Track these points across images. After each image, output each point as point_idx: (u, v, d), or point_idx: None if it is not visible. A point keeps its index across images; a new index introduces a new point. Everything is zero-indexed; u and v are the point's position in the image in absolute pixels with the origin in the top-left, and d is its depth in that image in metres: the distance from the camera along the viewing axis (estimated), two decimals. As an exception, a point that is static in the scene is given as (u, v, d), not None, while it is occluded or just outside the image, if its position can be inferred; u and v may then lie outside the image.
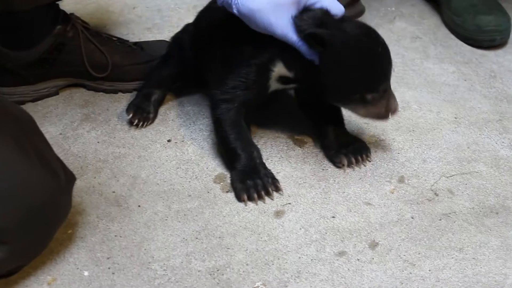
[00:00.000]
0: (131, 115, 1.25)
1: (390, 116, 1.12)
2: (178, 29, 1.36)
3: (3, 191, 0.88)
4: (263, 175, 1.12)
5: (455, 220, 1.09)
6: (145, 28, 1.54)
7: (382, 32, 1.51)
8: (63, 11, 1.31)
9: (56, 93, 1.34)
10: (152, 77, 1.31)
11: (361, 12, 1.45)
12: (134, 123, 1.25)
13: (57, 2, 1.29)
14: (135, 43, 1.38)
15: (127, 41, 1.37)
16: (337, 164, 1.18)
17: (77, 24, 1.30)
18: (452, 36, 1.52)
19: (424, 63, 1.43)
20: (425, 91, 1.35)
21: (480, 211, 1.10)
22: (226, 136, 1.14)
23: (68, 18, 1.30)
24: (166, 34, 1.50)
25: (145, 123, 1.25)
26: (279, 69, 1.12)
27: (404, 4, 1.62)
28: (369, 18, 1.54)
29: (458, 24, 1.50)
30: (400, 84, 1.37)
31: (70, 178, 1.00)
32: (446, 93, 1.35)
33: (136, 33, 1.52)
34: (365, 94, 1.08)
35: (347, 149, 1.17)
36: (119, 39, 1.37)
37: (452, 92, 1.35)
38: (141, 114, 1.25)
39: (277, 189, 1.12)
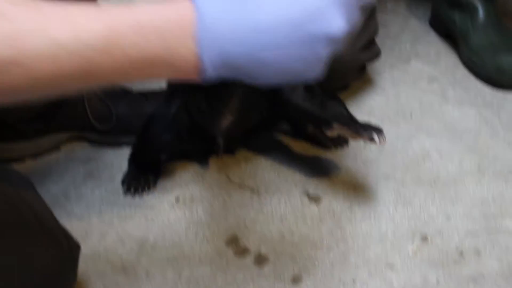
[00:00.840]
0: (126, 188, 1.21)
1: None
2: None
3: (1, 267, 0.84)
4: None
5: (484, 284, 1.04)
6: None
7: (398, 74, 1.50)
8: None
9: (57, 148, 1.30)
10: (150, 141, 1.21)
11: (377, 54, 1.41)
12: (133, 192, 1.20)
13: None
14: (140, 91, 1.34)
15: (131, 90, 1.34)
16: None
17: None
18: (472, 77, 1.47)
19: (443, 107, 1.39)
20: (445, 138, 1.31)
21: (510, 273, 1.06)
22: None
23: (69, 69, 1.26)
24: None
25: (145, 189, 1.21)
26: None
27: (420, 42, 1.58)
28: (384, 59, 1.50)
29: (477, 64, 1.46)
30: (419, 131, 1.33)
31: (74, 247, 0.95)
32: (468, 140, 1.31)
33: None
34: None
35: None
36: (122, 88, 1.33)
37: (474, 139, 1.31)
38: (139, 183, 1.21)
39: None
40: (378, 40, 1.52)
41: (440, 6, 1.57)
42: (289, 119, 1.27)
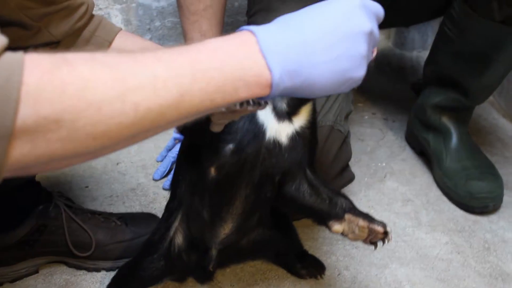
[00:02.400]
0: None
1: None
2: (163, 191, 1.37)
3: None
4: None
5: None
6: (129, 189, 1.56)
7: (373, 193, 1.58)
8: (45, 189, 1.34)
9: (36, 272, 1.34)
10: (140, 268, 1.24)
11: (351, 180, 1.48)
12: None
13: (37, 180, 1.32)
14: (120, 217, 1.40)
15: (112, 216, 1.39)
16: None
17: (60, 202, 1.33)
18: (444, 198, 1.56)
19: (416, 233, 1.46)
20: (417, 268, 1.38)
21: None
22: None
23: (50, 197, 1.33)
24: (151, 196, 1.53)
25: None
26: None
27: (395, 159, 1.67)
28: (359, 176, 1.57)
29: (450, 187, 1.54)
30: (392, 259, 1.40)
31: None
32: (440, 270, 1.38)
33: (120, 195, 1.54)
34: None
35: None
36: (103, 214, 1.39)
37: (445, 268, 1.38)
38: None
39: None
40: (355, 156, 1.60)
41: (415, 126, 1.66)
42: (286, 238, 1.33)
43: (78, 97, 0.60)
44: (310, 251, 1.39)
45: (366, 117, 1.82)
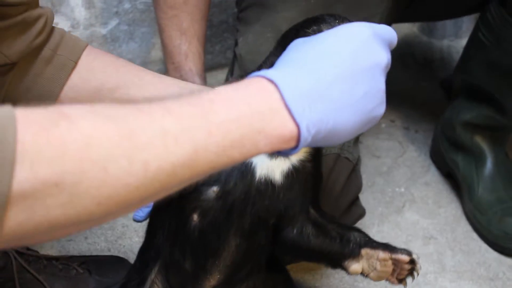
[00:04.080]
0: None
1: None
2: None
3: None
4: None
5: None
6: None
7: (388, 228, 1.38)
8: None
9: (-17, 327, 1.19)
10: None
11: (360, 216, 1.29)
12: None
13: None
14: (83, 262, 1.22)
15: (72, 260, 1.22)
16: None
17: (9, 250, 1.16)
18: (475, 236, 1.35)
19: (438, 280, 1.27)
20: (440, 329, 1.19)
21: None
22: None
23: (-3, 242, 1.16)
24: (119, 230, 1.35)
25: None
26: None
27: (416, 182, 1.46)
28: (372, 206, 1.38)
29: (482, 223, 1.34)
30: (409, 317, 1.21)
31: None
32: (467, 333, 1.19)
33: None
34: None
35: None
36: (61, 259, 1.22)
37: (473, 331, 1.19)
38: None
39: None
40: (368, 178, 1.42)
41: (442, 143, 1.45)
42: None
43: (80, 156, 0.57)
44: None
45: (384, 125, 1.61)
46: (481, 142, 1.38)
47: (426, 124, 1.62)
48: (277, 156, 0.98)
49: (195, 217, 1.01)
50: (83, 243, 1.33)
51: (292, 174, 1.00)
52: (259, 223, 1.02)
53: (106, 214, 0.60)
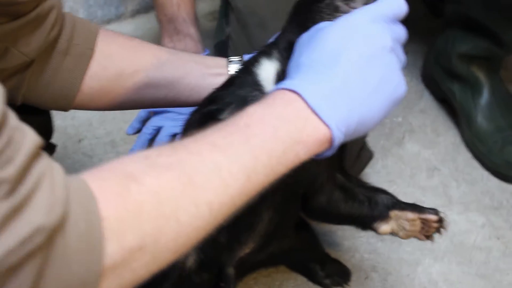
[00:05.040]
0: None
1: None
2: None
3: None
4: None
5: None
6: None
7: (392, 162, 1.39)
8: None
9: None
10: None
11: (369, 159, 1.30)
12: None
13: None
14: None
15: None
16: None
17: None
18: (476, 164, 1.39)
19: (447, 214, 1.30)
20: (454, 262, 1.25)
21: None
22: None
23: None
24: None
25: None
26: None
27: (412, 110, 1.47)
28: (374, 139, 1.39)
29: (482, 152, 1.37)
30: (423, 252, 1.26)
31: None
32: (479, 263, 1.25)
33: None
34: None
35: None
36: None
37: (485, 260, 1.25)
38: None
39: None
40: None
41: (435, 72, 1.44)
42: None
43: (155, 215, 0.58)
44: (330, 249, 1.26)
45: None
46: (477, 72, 1.39)
47: (413, 44, 1.60)
48: None
49: None
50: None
51: None
52: (291, 196, 1.03)
53: (179, 256, 0.63)
